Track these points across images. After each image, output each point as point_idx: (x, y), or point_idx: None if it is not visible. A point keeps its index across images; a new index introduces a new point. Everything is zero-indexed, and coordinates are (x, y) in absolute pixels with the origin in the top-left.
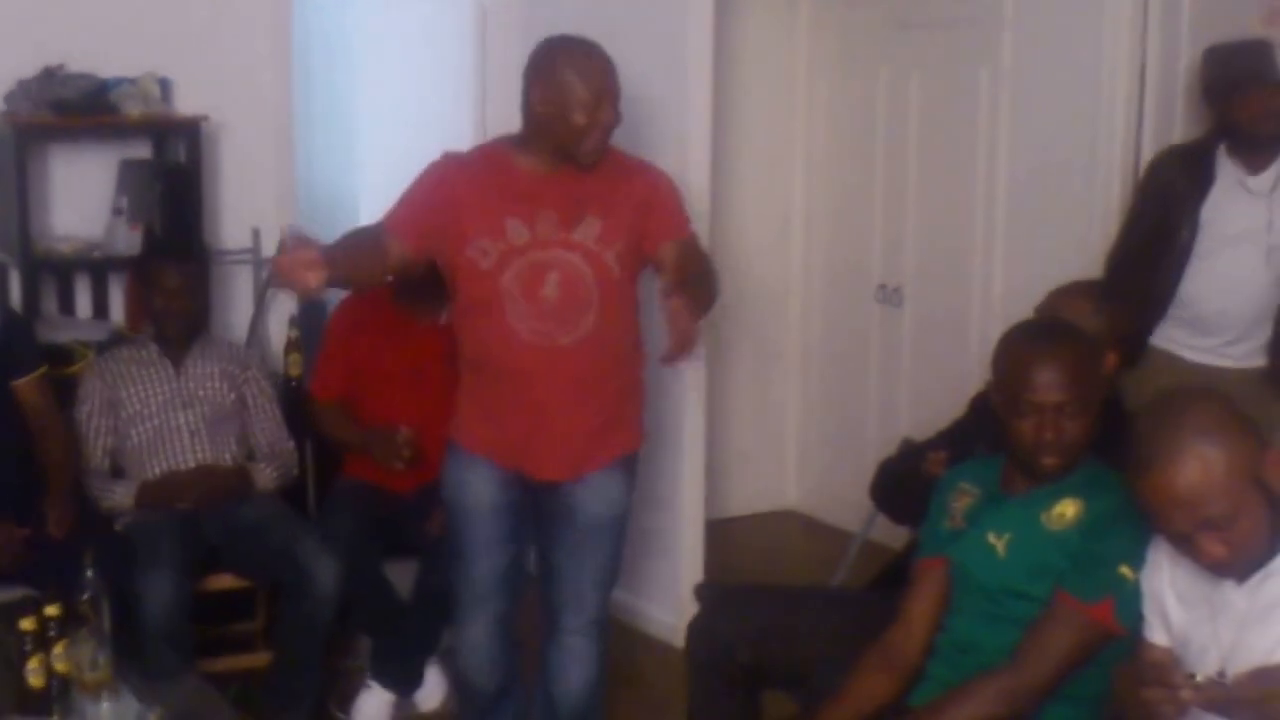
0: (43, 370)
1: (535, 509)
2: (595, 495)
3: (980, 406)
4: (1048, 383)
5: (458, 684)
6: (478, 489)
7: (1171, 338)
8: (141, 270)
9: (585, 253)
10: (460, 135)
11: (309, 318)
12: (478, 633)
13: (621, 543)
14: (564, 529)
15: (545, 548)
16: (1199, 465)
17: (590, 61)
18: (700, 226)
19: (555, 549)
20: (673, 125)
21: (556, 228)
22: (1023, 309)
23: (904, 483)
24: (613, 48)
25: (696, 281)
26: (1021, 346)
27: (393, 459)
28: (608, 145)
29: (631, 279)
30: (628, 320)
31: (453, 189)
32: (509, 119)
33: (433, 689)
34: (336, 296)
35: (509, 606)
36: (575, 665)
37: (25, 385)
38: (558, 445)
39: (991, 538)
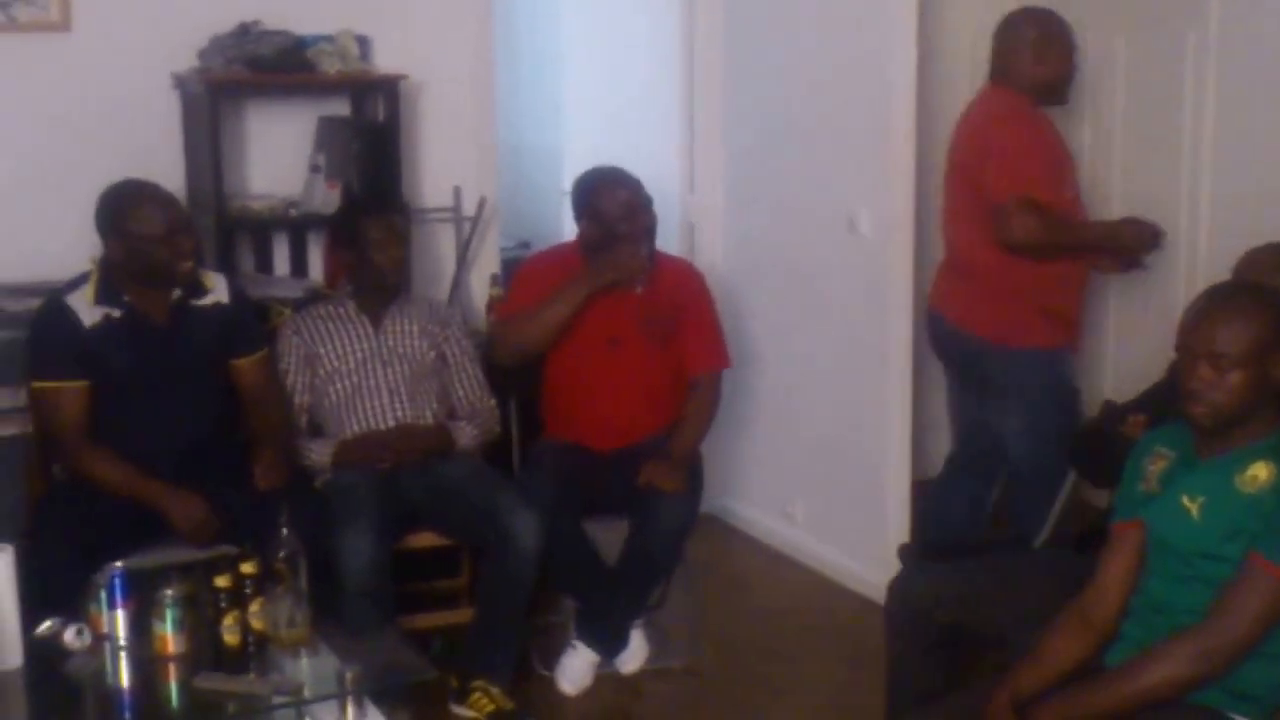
0: (264, 352)
1: None
2: None
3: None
4: (1205, 331)
5: None
6: None
7: None
8: (344, 226)
9: None
10: (665, 94)
11: (511, 276)
12: None
13: None
14: None
15: None
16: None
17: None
18: (904, 189)
19: None
20: (878, 87)
21: None
22: (1227, 275)
23: (1104, 445)
24: (817, 13)
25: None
26: (1197, 300)
27: None
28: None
29: None
30: None
31: None
32: (714, 79)
33: (635, 652)
34: None
35: None
36: None
37: (246, 365)
38: None
39: (1185, 500)
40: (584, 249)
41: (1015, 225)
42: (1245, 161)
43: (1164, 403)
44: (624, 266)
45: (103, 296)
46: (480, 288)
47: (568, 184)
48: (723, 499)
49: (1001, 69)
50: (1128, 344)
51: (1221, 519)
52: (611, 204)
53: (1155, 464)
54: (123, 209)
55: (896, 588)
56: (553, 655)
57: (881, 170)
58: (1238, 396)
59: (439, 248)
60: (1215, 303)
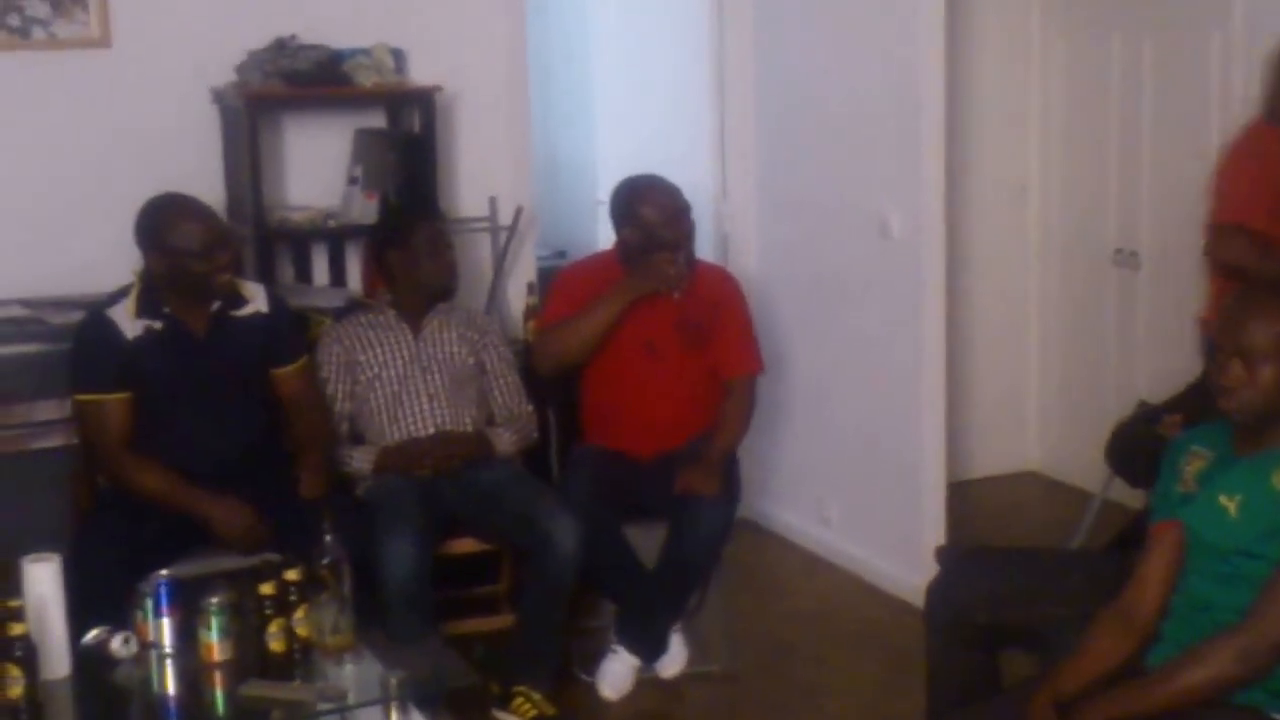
0: (304, 361)
1: None
2: None
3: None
4: (1235, 325)
5: None
6: None
7: None
8: (388, 234)
9: None
10: (696, 102)
11: (548, 284)
12: None
13: None
14: None
15: None
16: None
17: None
18: (935, 192)
19: None
20: (907, 92)
21: None
22: None
23: (1139, 445)
24: (847, 19)
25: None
26: (1231, 299)
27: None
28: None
29: None
30: None
31: None
32: (744, 86)
33: (675, 656)
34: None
35: None
36: None
37: (287, 374)
38: None
39: (1223, 499)
40: (624, 256)
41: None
42: None
43: (1199, 402)
44: (664, 274)
45: (144, 309)
46: (517, 296)
47: (602, 193)
48: (758, 503)
49: (1272, 111)
50: (1160, 344)
51: (1260, 517)
52: (652, 211)
53: (1192, 463)
54: (161, 223)
55: (935, 590)
56: (593, 660)
57: (913, 174)
58: (1269, 392)
59: (475, 257)
60: (1246, 300)
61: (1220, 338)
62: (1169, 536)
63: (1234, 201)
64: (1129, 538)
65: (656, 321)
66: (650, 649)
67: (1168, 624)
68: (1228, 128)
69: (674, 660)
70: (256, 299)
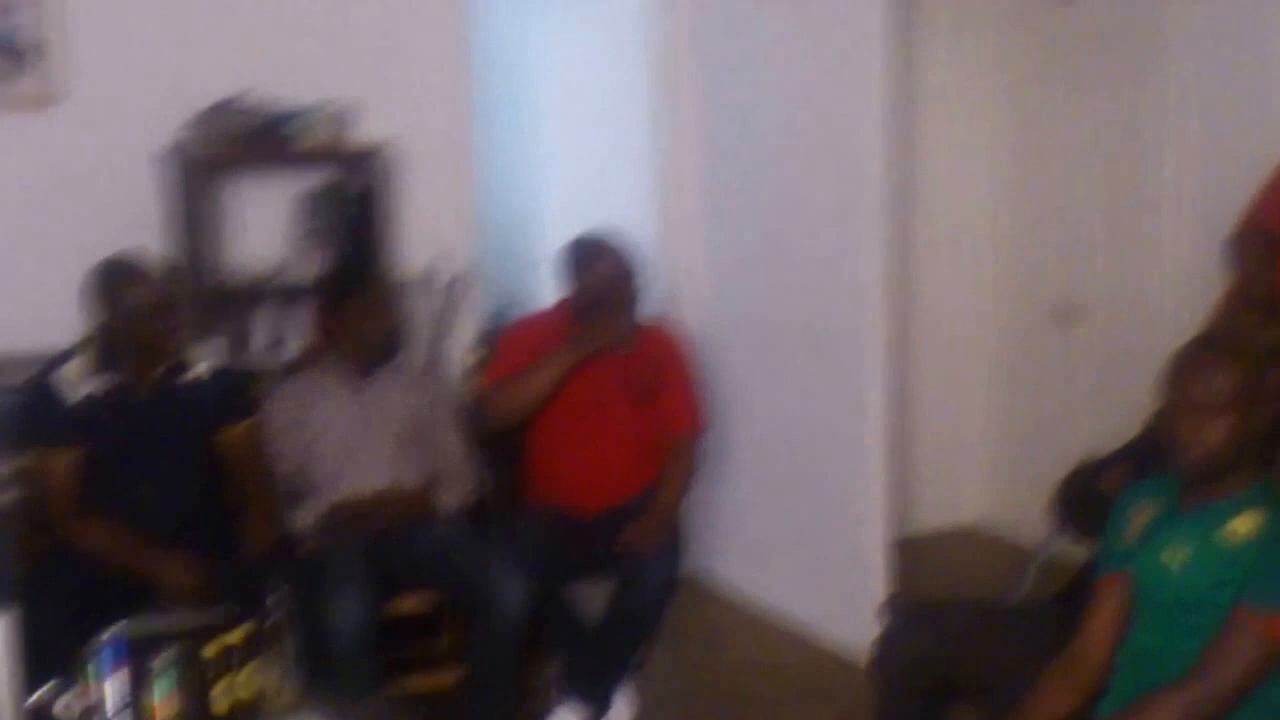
0: (250, 421)
1: None
2: None
3: (1159, 422)
4: (1184, 383)
5: None
6: None
7: None
8: (333, 293)
9: None
10: (640, 158)
11: (490, 342)
12: None
13: None
14: None
15: None
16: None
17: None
18: (882, 245)
19: None
20: (854, 144)
21: None
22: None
23: (1083, 499)
24: (791, 78)
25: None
26: (1179, 353)
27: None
28: None
29: None
30: None
31: None
32: (690, 143)
33: (621, 711)
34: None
35: None
36: None
37: (232, 435)
38: None
39: (1170, 553)
40: (573, 313)
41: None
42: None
43: (1144, 455)
44: (612, 333)
45: (92, 371)
46: (460, 353)
47: (543, 248)
48: (702, 560)
49: None
50: (1103, 398)
51: (1207, 570)
52: (604, 269)
53: (1138, 517)
54: (113, 285)
55: (881, 645)
56: (539, 716)
57: (859, 226)
58: (1224, 445)
59: (419, 314)
60: (1195, 354)
61: (1170, 393)
62: (1116, 589)
63: (1267, 207)
64: (1074, 591)
65: (603, 379)
66: (595, 705)
67: (1117, 676)
68: (1180, 181)
69: (619, 715)
70: (203, 361)
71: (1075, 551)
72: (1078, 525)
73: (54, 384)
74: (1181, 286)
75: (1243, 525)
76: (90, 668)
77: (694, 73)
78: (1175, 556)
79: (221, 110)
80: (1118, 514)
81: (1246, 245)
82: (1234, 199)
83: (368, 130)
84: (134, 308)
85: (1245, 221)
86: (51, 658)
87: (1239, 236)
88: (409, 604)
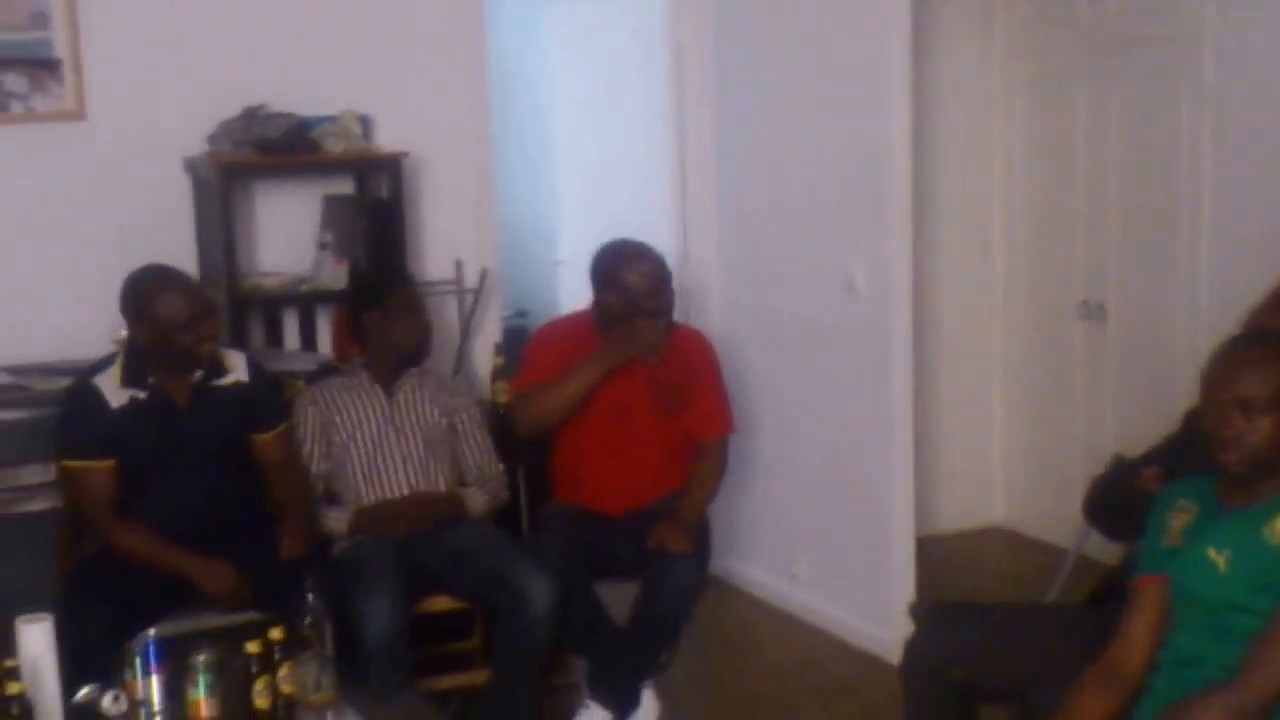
0: (284, 426)
1: None
2: None
3: (1193, 421)
4: (1230, 378)
5: None
6: None
7: None
8: (362, 298)
9: None
10: (659, 165)
11: (514, 346)
12: None
13: None
14: None
15: None
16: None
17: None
18: (901, 249)
19: None
20: (872, 149)
21: None
22: (1229, 323)
23: (1118, 500)
24: (809, 78)
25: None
26: (1218, 351)
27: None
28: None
29: None
30: None
31: None
32: (706, 145)
33: (647, 711)
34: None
35: None
36: None
37: (267, 439)
38: None
39: (1212, 553)
40: (601, 320)
41: None
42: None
43: (1179, 455)
44: (644, 343)
45: (128, 379)
46: (483, 357)
47: (561, 254)
48: (726, 559)
49: None
50: (1126, 396)
51: (1250, 571)
52: (636, 279)
53: (1178, 518)
54: (146, 295)
55: (913, 646)
56: (566, 716)
57: (879, 231)
58: (1266, 444)
59: (442, 319)
60: (1240, 351)
61: (1215, 391)
62: (1155, 591)
63: None
64: (1107, 592)
65: (632, 385)
66: (622, 705)
67: (1156, 679)
68: (1199, 182)
69: (646, 715)
70: (237, 368)
71: (1107, 552)
72: (1112, 525)
73: (92, 392)
74: (1206, 285)
75: None
76: (133, 666)
77: (711, 75)
78: (1217, 559)
79: (248, 118)
80: (1156, 514)
81: None
82: (1261, 196)
83: (390, 139)
84: (168, 317)
85: None
86: (91, 660)
87: None
88: (440, 604)
